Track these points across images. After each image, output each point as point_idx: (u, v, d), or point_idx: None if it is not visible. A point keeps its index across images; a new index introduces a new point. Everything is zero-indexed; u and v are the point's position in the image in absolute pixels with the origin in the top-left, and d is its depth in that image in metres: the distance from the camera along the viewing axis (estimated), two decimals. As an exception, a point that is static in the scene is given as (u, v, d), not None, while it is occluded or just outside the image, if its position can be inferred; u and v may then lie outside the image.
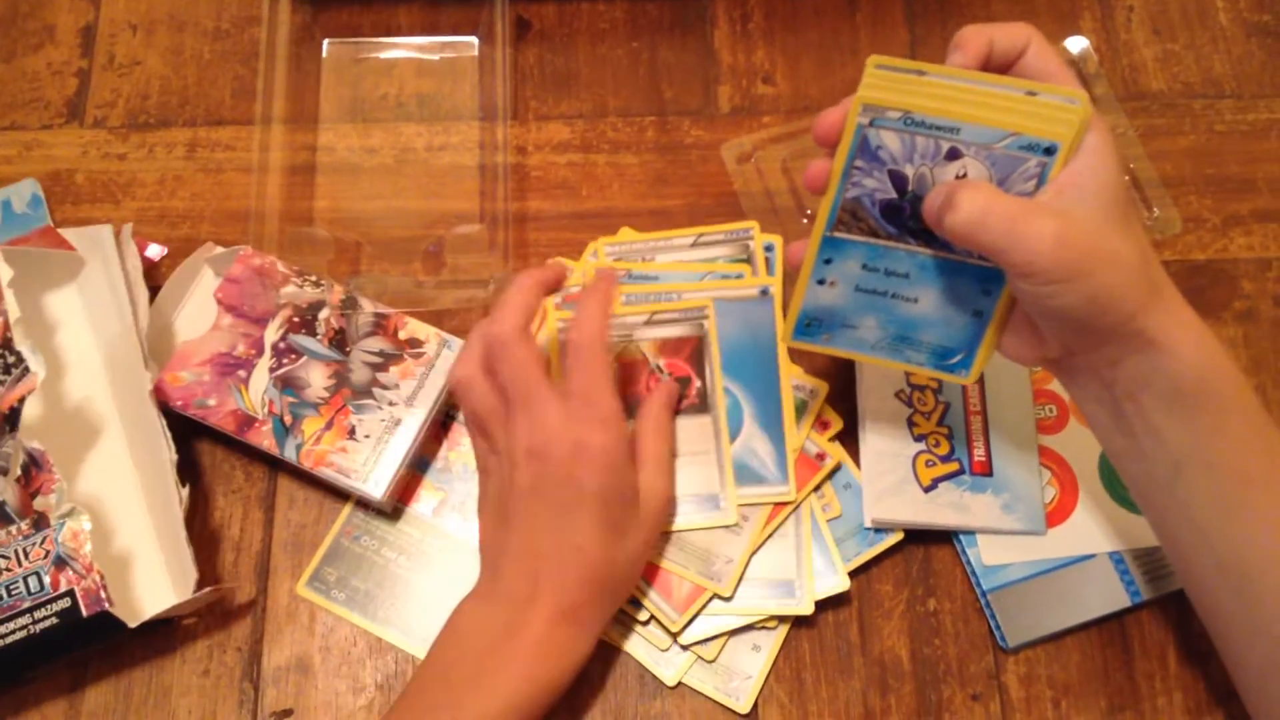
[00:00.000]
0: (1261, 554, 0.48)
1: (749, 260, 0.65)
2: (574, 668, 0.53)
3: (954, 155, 0.47)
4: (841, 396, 0.63)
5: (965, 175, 0.47)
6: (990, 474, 0.60)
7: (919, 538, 0.61)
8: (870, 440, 0.61)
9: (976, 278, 0.50)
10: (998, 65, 0.48)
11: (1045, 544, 0.60)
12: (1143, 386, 0.48)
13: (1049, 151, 0.46)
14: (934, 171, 0.48)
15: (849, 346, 0.55)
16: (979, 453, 0.61)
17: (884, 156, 0.48)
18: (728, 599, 0.58)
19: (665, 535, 0.59)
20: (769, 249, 0.65)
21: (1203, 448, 0.48)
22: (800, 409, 0.61)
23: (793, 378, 0.62)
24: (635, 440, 0.56)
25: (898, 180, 0.49)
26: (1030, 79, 0.48)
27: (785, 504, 0.59)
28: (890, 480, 0.60)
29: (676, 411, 0.60)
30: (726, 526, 0.59)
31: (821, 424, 0.62)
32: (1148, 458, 0.50)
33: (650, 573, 0.58)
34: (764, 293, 0.63)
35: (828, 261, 0.52)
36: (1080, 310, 0.46)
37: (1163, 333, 0.46)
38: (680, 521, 0.59)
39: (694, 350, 0.62)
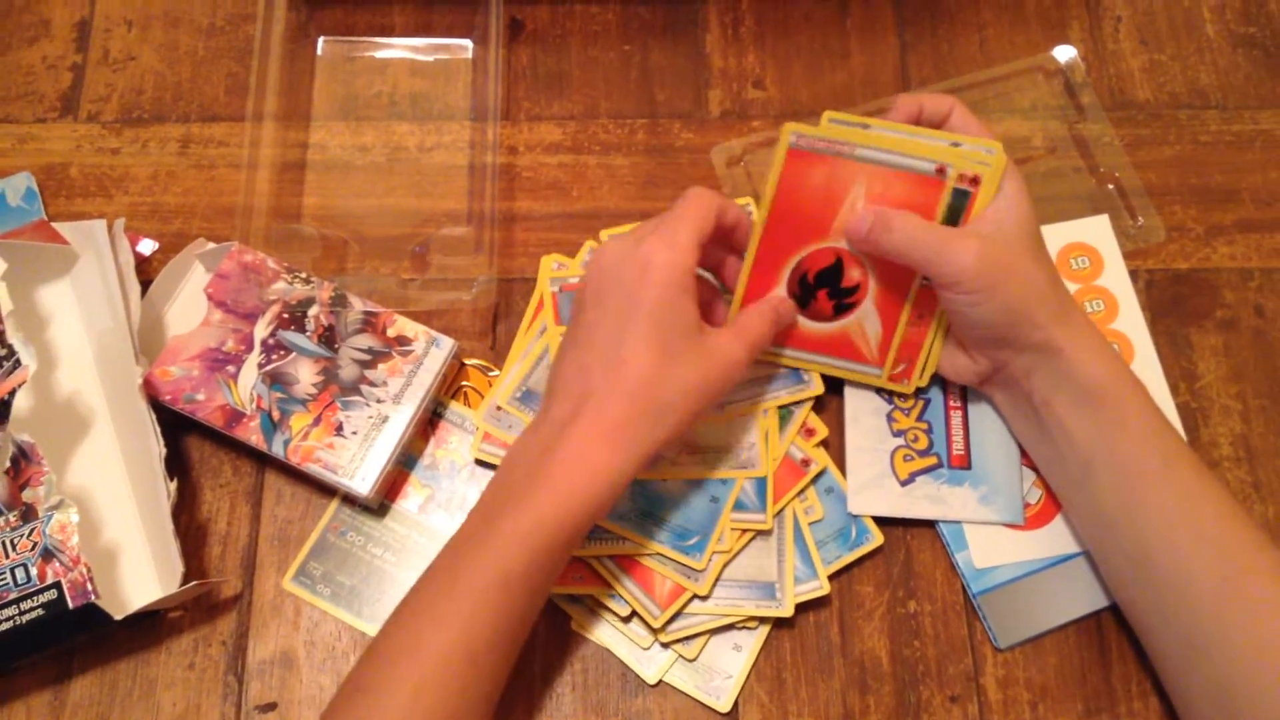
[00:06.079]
0: (1159, 544, 0.53)
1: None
2: (606, 491, 0.51)
3: None
4: (827, 405, 0.64)
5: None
6: (969, 467, 0.61)
7: (900, 540, 0.62)
8: (852, 436, 0.62)
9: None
10: (927, 125, 0.57)
11: (1035, 544, 0.61)
12: (1054, 391, 0.55)
13: (974, 182, 0.55)
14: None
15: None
16: (958, 446, 0.62)
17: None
18: (704, 597, 0.58)
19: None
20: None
21: (1106, 444, 0.55)
22: (785, 417, 0.62)
23: (778, 381, 0.63)
24: (741, 314, 0.58)
25: None
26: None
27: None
28: (870, 474, 0.62)
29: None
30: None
31: (807, 431, 0.62)
32: (1064, 460, 0.57)
33: (633, 568, 0.59)
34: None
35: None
36: (998, 318, 0.54)
37: (1068, 343, 0.54)
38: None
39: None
